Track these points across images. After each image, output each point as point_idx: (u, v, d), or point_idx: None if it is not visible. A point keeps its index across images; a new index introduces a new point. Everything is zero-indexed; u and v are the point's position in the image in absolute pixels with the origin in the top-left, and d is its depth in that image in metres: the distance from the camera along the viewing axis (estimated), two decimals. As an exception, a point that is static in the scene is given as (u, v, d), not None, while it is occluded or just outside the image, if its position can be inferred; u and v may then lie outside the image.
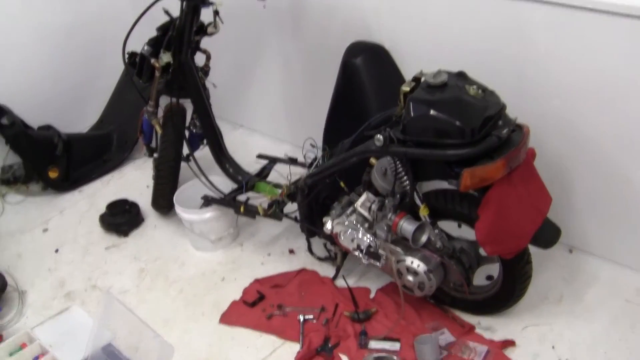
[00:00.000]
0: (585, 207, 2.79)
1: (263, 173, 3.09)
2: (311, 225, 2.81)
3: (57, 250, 3.31)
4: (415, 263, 2.45)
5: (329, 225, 2.64)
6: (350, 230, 2.58)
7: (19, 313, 2.94)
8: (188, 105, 3.08)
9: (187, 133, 3.15)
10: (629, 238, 2.73)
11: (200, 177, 3.05)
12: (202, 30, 2.89)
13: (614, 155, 2.58)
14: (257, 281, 2.95)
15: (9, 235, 3.44)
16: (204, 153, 3.20)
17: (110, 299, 2.86)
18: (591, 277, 2.80)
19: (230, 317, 2.80)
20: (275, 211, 2.87)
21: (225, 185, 3.11)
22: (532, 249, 2.43)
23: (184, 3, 2.75)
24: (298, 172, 2.86)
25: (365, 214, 2.54)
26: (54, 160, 3.65)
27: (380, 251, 2.54)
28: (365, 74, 2.91)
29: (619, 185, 2.63)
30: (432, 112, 2.17)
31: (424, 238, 2.43)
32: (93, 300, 2.97)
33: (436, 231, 2.46)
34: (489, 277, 2.72)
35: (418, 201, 2.44)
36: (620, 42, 2.33)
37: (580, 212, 2.81)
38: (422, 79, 2.29)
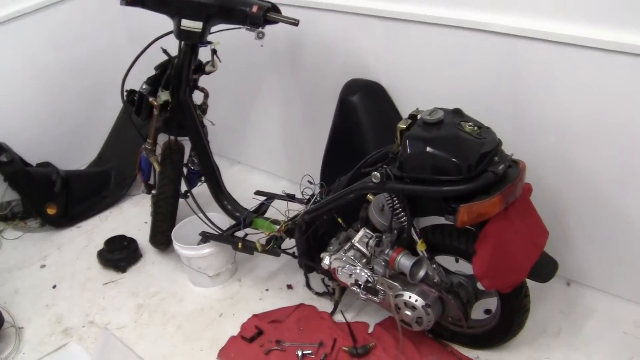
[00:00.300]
0: (582, 241, 2.81)
1: (261, 209, 3.10)
2: (309, 260, 2.82)
3: (54, 286, 3.30)
4: (413, 298, 2.46)
5: (326, 261, 2.65)
6: (348, 265, 2.59)
7: (15, 349, 2.92)
8: (186, 143, 3.10)
9: (185, 170, 3.17)
10: (626, 270, 2.75)
11: (198, 214, 3.06)
12: (200, 69, 2.92)
13: (609, 189, 2.60)
14: (255, 316, 2.95)
15: (7, 271, 3.44)
16: (202, 190, 3.21)
17: (108, 335, 2.87)
18: (589, 310, 2.81)
19: (228, 352, 2.80)
20: (273, 247, 2.88)
21: (223, 221, 3.12)
22: (530, 283, 2.44)
23: (182, 42, 2.78)
24: (296, 209, 2.87)
25: (363, 249, 2.56)
26: (52, 197, 3.65)
27: (378, 286, 2.55)
28: (362, 111, 2.93)
29: (615, 219, 2.65)
30: (428, 149, 2.19)
31: (421, 273, 2.44)
32: (91, 337, 2.96)
33: (434, 266, 2.47)
34: (487, 311, 2.73)
35: (415, 237, 2.45)
36: (616, 79, 2.36)
37: (577, 245, 2.82)
38: (419, 117, 2.31)
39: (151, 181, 3.28)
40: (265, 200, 3.13)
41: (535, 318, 2.70)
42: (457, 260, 2.55)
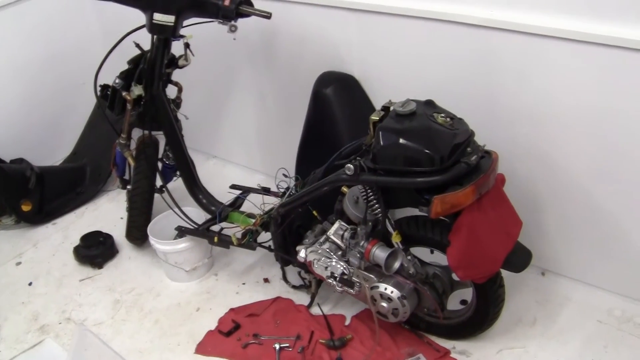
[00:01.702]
0: (556, 231, 2.83)
1: (236, 203, 3.09)
2: (285, 254, 2.82)
3: (30, 284, 3.28)
4: (388, 289, 2.47)
5: (302, 254, 2.65)
6: (323, 258, 2.59)
7: (-8, 348, 2.91)
8: (161, 138, 3.09)
9: (160, 165, 3.16)
10: (600, 259, 2.77)
11: (174, 209, 3.05)
12: (173, 62, 2.90)
13: (582, 179, 2.62)
14: (232, 310, 2.95)
15: (-18, 269, 3.42)
16: (177, 184, 3.21)
17: (84, 331, 2.85)
18: (564, 299, 2.83)
19: (205, 347, 2.79)
20: (249, 241, 2.88)
21: (199, 216, 3.12)
22: (505, 273, 2.45)
23: (155, 36, 2.76)
24: (271, 202, 2.88)
25: (338, 242, 2.56)
26: (26, 194, 3.63)
27: (354, 278, 2.55)
28: (336, 103, 2.94)
29: (588, 208, 2.67)
30: (401, 140, 2.19)
31: (396, 264, 2.44)
32: (68, 334, 2.94)
33: (409, 257, 2.48)
34: (463, 302, 2.74)
35: (390, 228, 2.46)
36: (589, 70, 2.37)
37: (552, 235, 2.84)
38: (391, 108, 2.31)
39: (126, 176, 3.26)
40: (240, 194, 3.12)
41: (510, 308, 2.73)
42: (432, 252, 2.56)
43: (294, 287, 3.02)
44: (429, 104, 2.34)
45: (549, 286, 2.90)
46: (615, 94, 2.35)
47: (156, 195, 3.23)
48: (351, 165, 2.28)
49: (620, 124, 2.40)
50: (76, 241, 3.46)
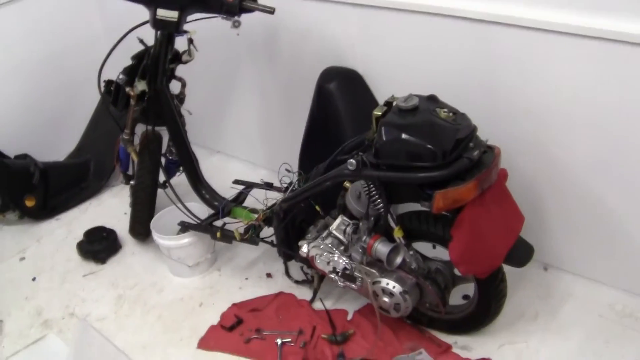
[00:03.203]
0: (558, 226, 2.83)
1: (239, 198, 3.10)
2: (288, 249, 2.83)
3: (34, 279, 3.29)
4: (390, 284, 2.48)
5: (305, 249, 2.66)
6: (325, 253, 2.60)
7: (-5, 343, 2.93)
8: (164, 133, 3.10)
9: (163, 160, 3.17)
10: (602, 254, 2.78)
11: (177, 204, 3.06)
12: (177, 58, 2.91)
13: (585, 174, 2.63)
14: (234, 305, 2.96)
15: (-14, 264, 3.43)
16: (180, 180, 3.21)
17: (86, 326, 2.87)
18: (565, 294, 2.83)
19: (208, 342, 2.80)
20: (251, 236, 2.89)
21: (202, 211, 3.12)
22: (507, 268, 2.46)
23: (159, 32, 2.77)
24: (274, 197, 2.88)
25: (341, 237, 2.57)
26: (30, 189, 3.64)
27: (356, 273, 2.56)
28: (339, 98, 2.94)
29: (590, 203, 2.67)
30: (403, 135, 2.20)
31: (398, 259, 2.45)
32: (71, 329, 2.95)
33: (411, 252, 2.48)
34: (465, 297, 2.75)
35: (392, 223, 2.46)
36: (590, 65, 2.37)
37: (554, 230, 2.85)
38: (394, 103, 2.32)
39: (130, 172, 3.27)
40: (243, 189, 3.12)
41: (512, 303, 2.73)
42: (434, 247, 2.57)
43: (296, 282, 3.03)
44: (432, 99, 2.34)
45: (550, 281, 2.90)
46: (617, 88, 2.36)
47: (159, 190, 3.24)
48: (353, 161, 2.28)
49: (623, 119, 2.40)
50: (80, 236, 3.47)
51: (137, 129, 3.10)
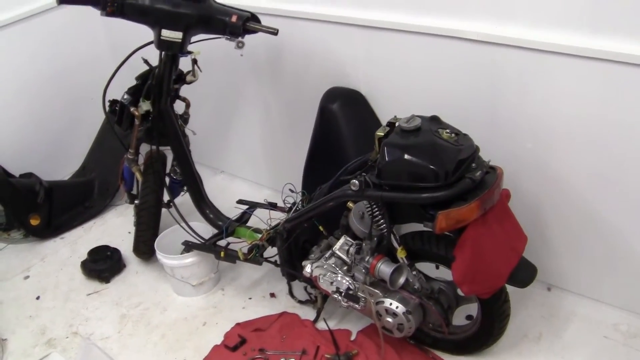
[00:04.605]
0: (562, 246, 2.83)
1: (243, 218, 3.11)
2: (291, 269, 2.83)
3: (38, 298, 3.30)
4: (393, 304, 2.48)
5: (308, 269, 2.66)
6: (329, 273, 2.60)
7: (-1, 362, 2.93)
8: (168, 153, 3.11)
9: (167, 180, 3.18)
10: (605, 274, 2.77)
11: (181, 223, 3.06)
12: (181, 78, 2.92)
13: (587, 194, 2.62)
14: (238, 325, 2.96)
15: (-10, 283, 3.44)
16: (184, 199, 3.23)
17: (89, 345, 2.87)
18: (569, 314, 2.83)
19: (212, 362, 2.81)
20: (255, 256, 2.89)
21: (206, 230, 3.13)
22: (510, 288, 2.45)
23: (163, 52, 2.79)
24: (278, 217, 2.88)
25: (344, 257, 2.57)
26: (35, 208, 3.65)
27: (359, 293, 2.56)
28: (342, 119, 2.95)
29: (594, 223, 2.67)
30: (406, 156, 2.20)
31: (401, 280, 2.45)
32: (74, 347, 2.95)
33: (414, 273, 2.49)
34: (469, 317, 2.74)
35: (395, 243, 2.46)
36: (591, 85, 2.38)
37: (557, 250, 2.84)
38: (397, 124, 2.33)
39: (134, 191, 3.29)
40: (247, 209, 3.14)
41: (516, 323, 2.73)
42: (437, 267, 2.57)
43: (300, 302, 3.03)
44: (434, 119, 2.35)
45: (554, 301, 2.90)
46: (619, 108, 2.36)
47: (163, 210, 3.25)
48: (356, 181, 2.29)
49: (625, 138, 2.40)
50: (84, 255, 3.47)
51: (142, 149, 3.11)
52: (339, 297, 2.59)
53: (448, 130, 2.29)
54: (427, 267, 2.58)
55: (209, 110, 3.77)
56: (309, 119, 3.12)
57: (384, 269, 2.44)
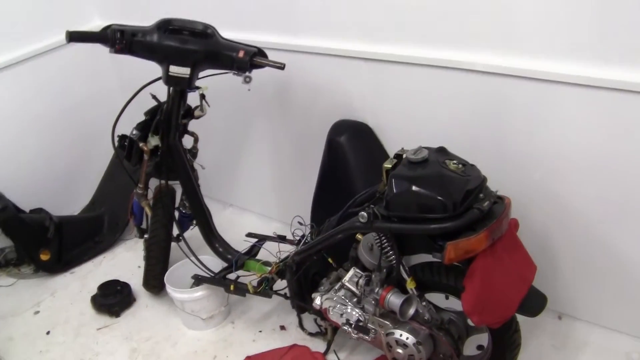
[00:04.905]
0: (571, 274, 2.82)
1: (252, 251, 3.11)
2: (301, 301, 2.83)
3: (48, 332, 3.30)
4: (404, 336, 2.47)
5: (318, 301, 2.66)
6: (339, 305, 2.60)
7: (10, 398, 2.93)
8: (177, 187, 3.13)
9: (176, 214, 3.19)
10: (617, 302, 2.76)
11: (191, 257, 3.07)
12: (189, 113, 2.95)
13: (597, 222, 2.63)
14: (249, 358, 2.96)
15: (1, 318, 3.43)
16: (193, 233, 3.23)
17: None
18: (581, 343, 2.82)
19: (223, 396, 2.80)
20: (265, 289, 2.89)
21: (215, 264, 3.13)
22: (521, 318, 2.44)
23: (171, 88, 2.82)
24: (287, 250, 2.89)
25: (353, 289, 2.57)
26: (45, 243, 3.66)
27: (370, 325, 2.55)
28: (350, 151, 2.97)
29: (604, 250, 2.67)
30: (414, 187, 2.21)
31: (411, 311, 2.44)
32: (85, 383, 2.97)
33: (424, 303, 2.48)
34: (480, 347, 2.73)
35: (404, 275, 2.46)
36: (600, 115, 2.39)
37: (567, 279, 2.84)
38: (404, 156, 2.34)
39: (143, 225, 3.29)
40: (256, 242, 3.14)
41: (527, 353, 2.72)
42: (447, 297, 2.56)
43: (310, 334, 3.03)
44: (441, 150, 2.36)
45: (565, 330, 2.89)
46: (627, 136, 2.37)
47: (173, 244, 3.25)
48: (365, 213, 2.29)
49: (634, 166, 2.41)
50: (94, 290, 3.48)
51: (151, 183, 3.13)
52: (349, 329, 2.59)
53: (455, 161, 2.30)
54: (436, 298, 2.57)
55: (217, 144, 3.79)
56: (317, 152, 3.14)
57: (394, 300, 2.44)
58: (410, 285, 2.45)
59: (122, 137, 3.01)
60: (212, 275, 3.05)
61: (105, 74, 4.15)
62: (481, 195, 2.26)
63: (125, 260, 3.84)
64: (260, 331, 3.14)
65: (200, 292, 3.08)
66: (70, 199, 4.15)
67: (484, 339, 2.64)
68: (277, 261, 2.88)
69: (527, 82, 2.49)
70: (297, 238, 2.87)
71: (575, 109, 2.44)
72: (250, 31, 3.18)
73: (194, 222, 3.23)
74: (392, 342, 2.52)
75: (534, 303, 2.39)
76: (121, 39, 2.67)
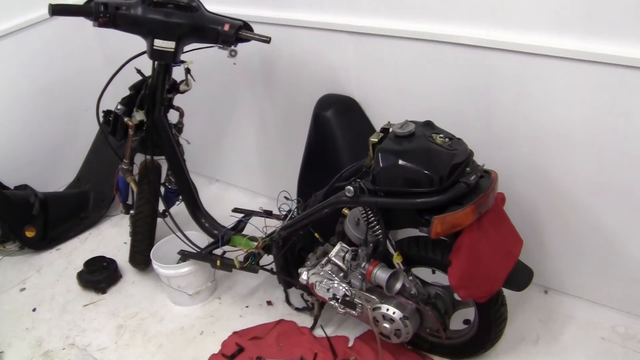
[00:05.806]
0: (558, 249, 2.83)
1: (239, 227, 3.11)
2: (287, 276, 2.83)
3: (34, 310, 3.29)
4: (390, 310, 2.47)
5: (304, 276, 2.66)
6: (325, 280, 2.60)
7: (-4, 375, 2.92)
8: (163, 162, 3.11)
9: (162, 189, 3.17)
10: (603, 276, 2.77)
11: (177, 233, 3.06)
12: (175, 88, 2.92)
13: (582, 197, 2.63)
14: (235, 334, 2.96)
15: (-14, 296, 3.43)
16: (179, 209, 3.22)
17: (87, 357, 2.87)
18: (567, 317, 2.83)
19: (209, 371, 2.80)
20: (251, 264, 2.89)
21: (202, 239, 3.13)
22: (507, 292, 2.45)
23: (156, 62, 2.79)
24: (273, 225, 2.88)
25: (340, 263, 2.57)
26: (30, 220, 3.64)
27: (356, 300, 2.55)
28: (336, 126, 2.96)
29: (589, 226, 2.68)
30: (400, 161, 2.20)
31: (398, 285, 2.45)
32: (71, 359, 2.95)
33: (410, 278, 2.49)
34: (466, 321, 2.75)
35: (391, 249, 2.46)
36: (586, 88, 2.38)
37: (553, 253, 2.85)
38: (390, 130, 2.33)
39: (129, 201, 3.27)
40: (242, 217, 3.14)
41: (513, 327, 2.73)
42: (433, 272, 2.57)
43: (297, 309, 3.03)
44: (428, 124, 2.35)
45: (551, 304, 2.90)
46: (615, 110, 2.36)
47: (159, 219, 3.24)
48: (351, 187, 2.29)
49: (620, 140, 2.41)
50: (80, 266, 3.47)
51: (136, 159, 3.11)
52: (336, 304, 2.59)
53: (442, 135, 2.29)
54: (423, 272, 2.58)
55: (202, 119, 3.77)
56: (303, 127, 3.12)
57: (380, 274, 2.44)
58: (397, 259, 2.44)
59: (107, 113, 2.98)
60: (199, 250, 3.05)
61: (89, 49, 4.11)
62: (468, 169, 2.26)
63: (111, 237, 3.82)
64: (247, 306, 3.14)
65: (186, 267, 3.07)
66: (55, 175, 4.12)
67: (470, 313, 2.65)
68: (264, 236, 2.87)
69: (513, 55, 2.47)
70: (284, 213, 2.87)
71: (562, 82, 2.43)
72: (235, 5, 3.14)
73: (180, 197, 3.21)
74: (379, 317, 2.52)
75: (520, 277, 2.40)
76: (105, 12, 2.64)
